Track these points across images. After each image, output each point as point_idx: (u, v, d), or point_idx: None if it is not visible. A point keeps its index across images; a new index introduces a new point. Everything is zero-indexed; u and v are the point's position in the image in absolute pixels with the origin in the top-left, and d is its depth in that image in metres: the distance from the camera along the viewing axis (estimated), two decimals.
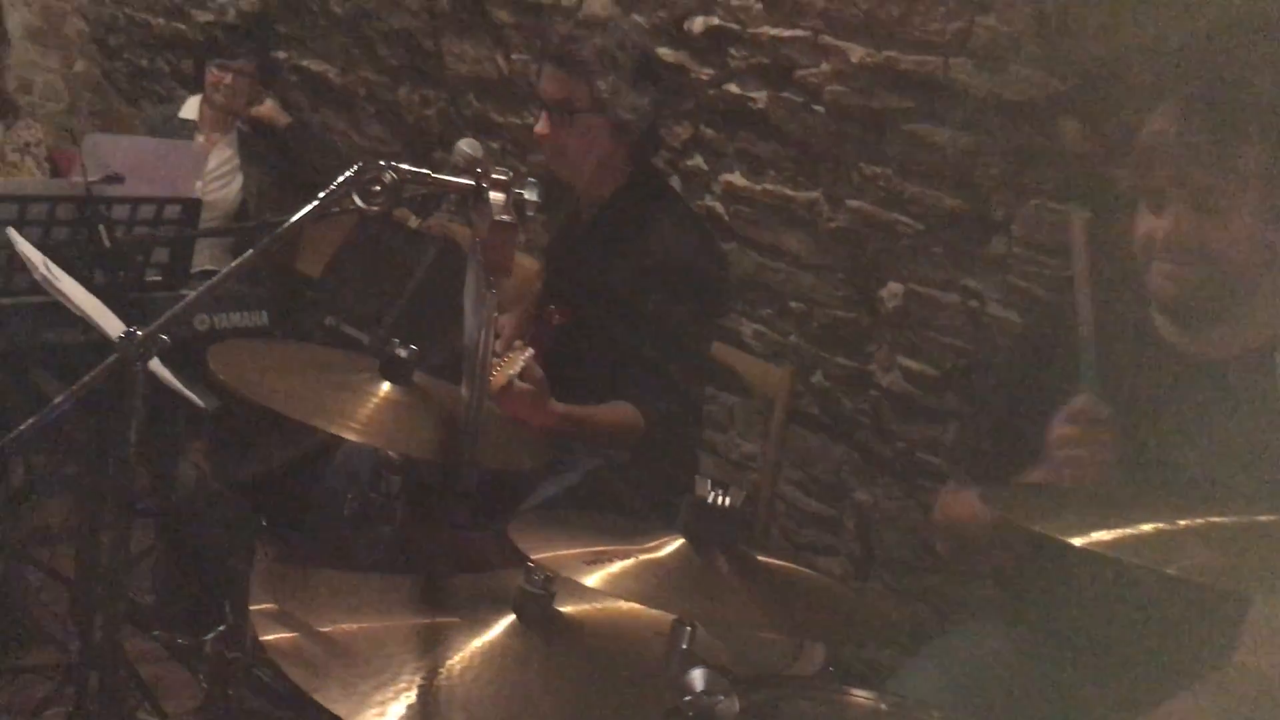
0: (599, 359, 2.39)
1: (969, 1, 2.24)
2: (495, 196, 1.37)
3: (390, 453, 1.82)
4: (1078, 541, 1.04)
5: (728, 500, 1.22)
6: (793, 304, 2.92)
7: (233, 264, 1.46)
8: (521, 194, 1.41)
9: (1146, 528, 1.03)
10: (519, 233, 1.35)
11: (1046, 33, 2.16)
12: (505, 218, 1.32)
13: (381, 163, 1.40)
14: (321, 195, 1.41)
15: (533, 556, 1.21)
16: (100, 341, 2.16)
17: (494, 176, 1.40)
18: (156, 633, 1.99)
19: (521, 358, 1.99)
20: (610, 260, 2.39)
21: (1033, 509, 1.26)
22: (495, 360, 2.06)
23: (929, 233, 2.57)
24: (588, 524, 1.39)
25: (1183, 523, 1.04)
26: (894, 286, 2.70)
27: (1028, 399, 1.84)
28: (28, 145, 2.88)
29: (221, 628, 1.63)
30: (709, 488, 1.22)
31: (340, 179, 1.41)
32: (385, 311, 3.34)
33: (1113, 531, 1.04)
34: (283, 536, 2.53)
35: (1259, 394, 1.62)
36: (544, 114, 2.39)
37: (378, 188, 1.40)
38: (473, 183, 1.42)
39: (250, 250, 1.43)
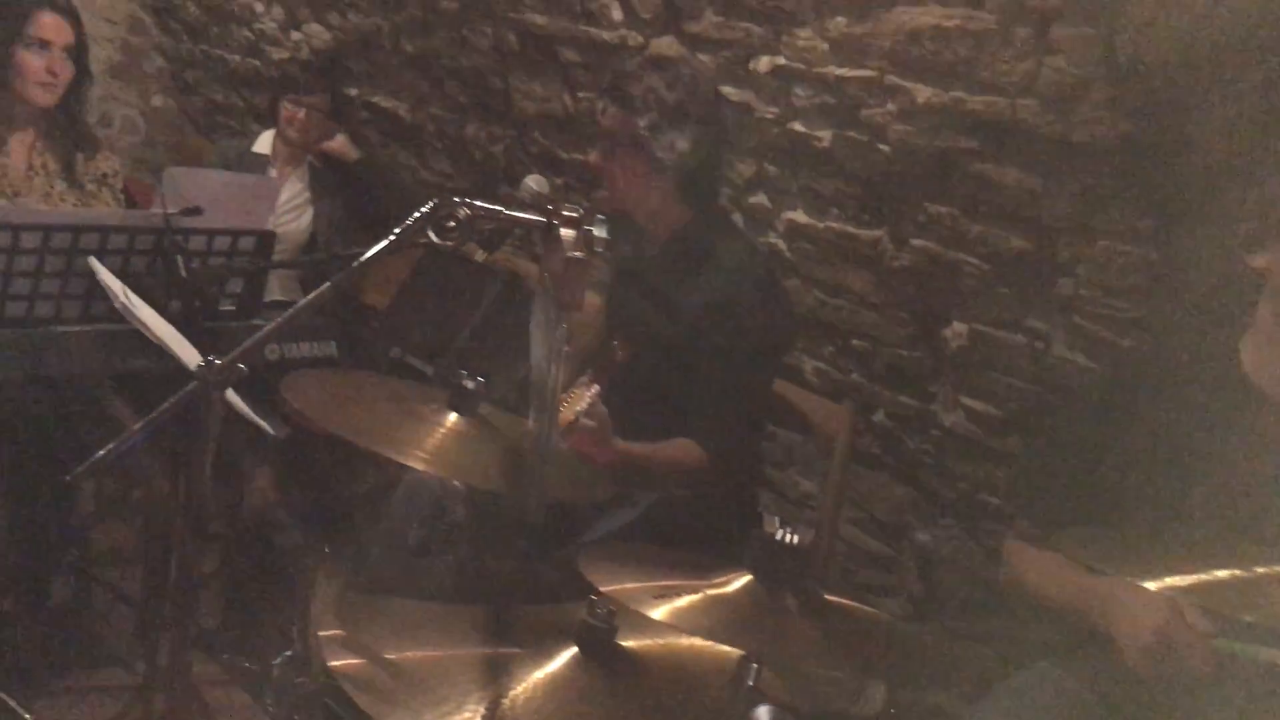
0: (661, 395, 2.41)
1: (1037, 43, 2.24)
2: (566, 233, 1.39)
3: (455, 483, 1.85)
4: (1152, 586, 1.02)
5: (796, 538, 1.22)
6: (855, 342, 2.91)
7: (309, 296, 1.50)
8: (591, 230, 1.43)
9: (1222, 574, 1.02)
10: (590, 269, 1.37)
11: (1116, 74, 2.15)
12: (577, 254, 1.34)
13: (456, 199, 1.42)
14: (398, 230, 1.44)
15: (601, 588, 1.22)
16: (172, 369, 2.21)
17: (565, 213, 1.43)
18: (226, 656, 2.02)
19: (587, 394, 2.01)
20: (674, 297, 2.41)
21: (1106, 551, 1.25)
22: (561, 395, 2.09)
23: (994, 273, 2.55)
24: (656, 558, 1.39)
25: (1260, 569, 1.02)
26: (958, 326, 2.69)
27: (1104, 446, 1.82)
28: (105, 176, 2.95)
29: (289, 652, 1.66)
30: (777, 525, 1.23)
31: (416, 214, 1.44)
32: (449, 344, 3.39)
33: (1188, 577, 1.03)
34: (345, 563, 2.57)
35: None
36: (598, 145, 2.45)
37: (452, 224, 1.42)
38: (544, 219, 1.44)
39: (327, 283, 1.47)
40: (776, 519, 1.24)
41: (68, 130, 2.88)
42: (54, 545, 2.79)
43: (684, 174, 2.40)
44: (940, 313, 2.71)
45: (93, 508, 3.04)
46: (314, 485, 2.77)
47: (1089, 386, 2.26)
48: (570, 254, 1.34)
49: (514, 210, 1.58)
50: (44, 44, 2.76)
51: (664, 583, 1.23)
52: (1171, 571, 1.04)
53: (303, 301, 1.50)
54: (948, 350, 2.72)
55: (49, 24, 2.78)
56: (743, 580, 1.24)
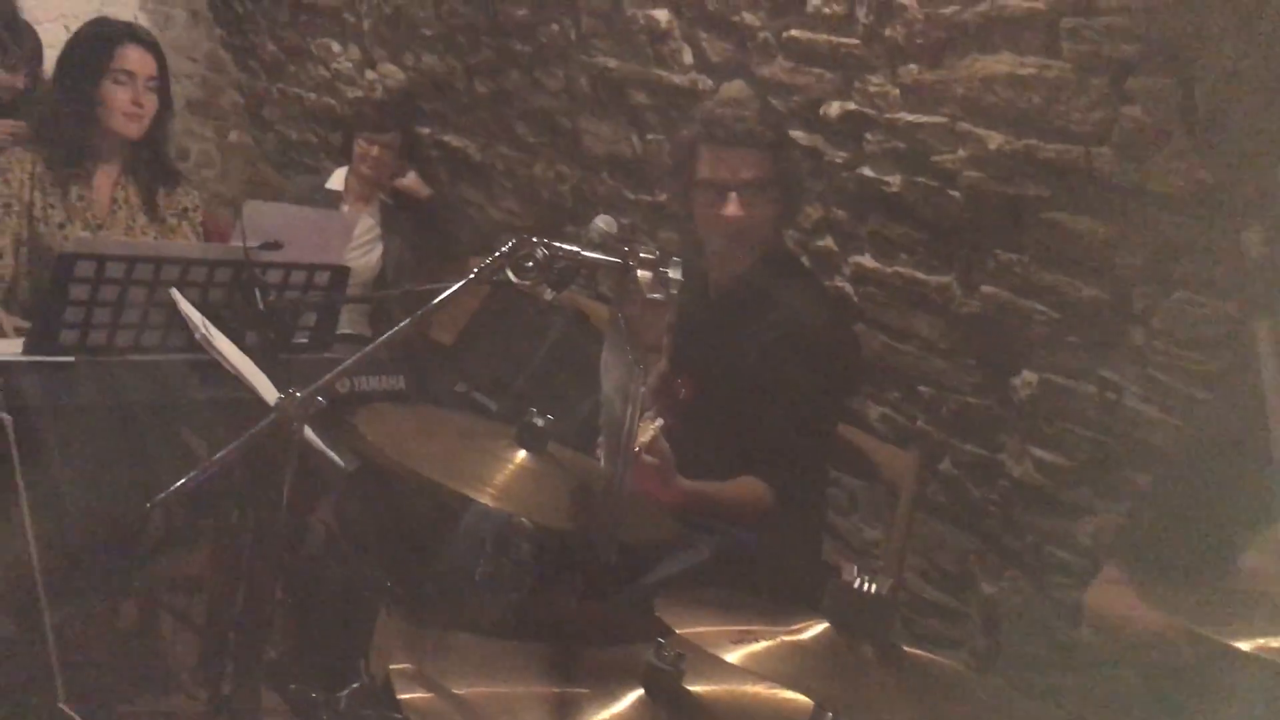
0: (726, 433, 2.40)
1: (1113, 92, 2.22)
2: (643, 274, 1.40)
3: (522, 519, 1.85)
4: (1245, 647, 1.00)
5: (874, 587, 1.21)
6: (921, 388, 2.89)
7: (391, 330, 1.52)
8: (666, 272, 1.44)
9: None
10: (668, 310, 1.38)
11: (1194, 124, 2.13)
12: (657, 296, 1.35)
13: (534, 239, 1.44)
14: (477, 269, 1.46)
15: (678, 630, 1.22)
16: (245, 400, 2.25)
17: (642, 255, 1.44)
18: (292, 686, 2.04)
19: (651, 428, 2.02)
20: (742, 333, 2.40)
21: (1198, 610, 1.22)
22: None
23: (1065, 322, 2.53)
24: (732, 602, 1.39)
25: None
26: (1028, 375, 2.66)
27: (1197, 499, 1.80)
28: (185, 210, 3.02)
29: (355, 684, 1.67)
30: (856, 574, 1.22)
31: (496, 254, 1.46)
32: (514, 380, 3.42)
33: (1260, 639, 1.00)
34: (409, 596, 2.58)
35: None
36: (733, 196, 2.38)
37: (530, 263, 1.44)
38: (621, 260, 1.46)
39: (408, 318, 1.49)
40: (855, 567, 1.23)
41: (151, 164, 2.95)
42: (124, 571, 2.83)
43: (792, 206, 2.40)
44: (1010, 361, 2.68)
45: (162, 534, 3.09)
46: (379, 518, 2.79)
47: (1176, 440, 2.23)
48: (651, 296, 1.35)
49: (590, 251, 1.59)
50: (129, 76, 2.84)
51: (741, 627, 1.22)
52: (1266, 634, 1.01)
53: (384, 336, 1.52)
54: (1017, 399, 2.69)
55: (133, 56, 2.85)
56: (819, 628, 1.23)
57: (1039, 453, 2.70)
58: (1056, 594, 2.74)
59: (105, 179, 2.94)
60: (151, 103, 2.87)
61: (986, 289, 2.65)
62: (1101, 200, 2.35)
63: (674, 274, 1.44)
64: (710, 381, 2.46)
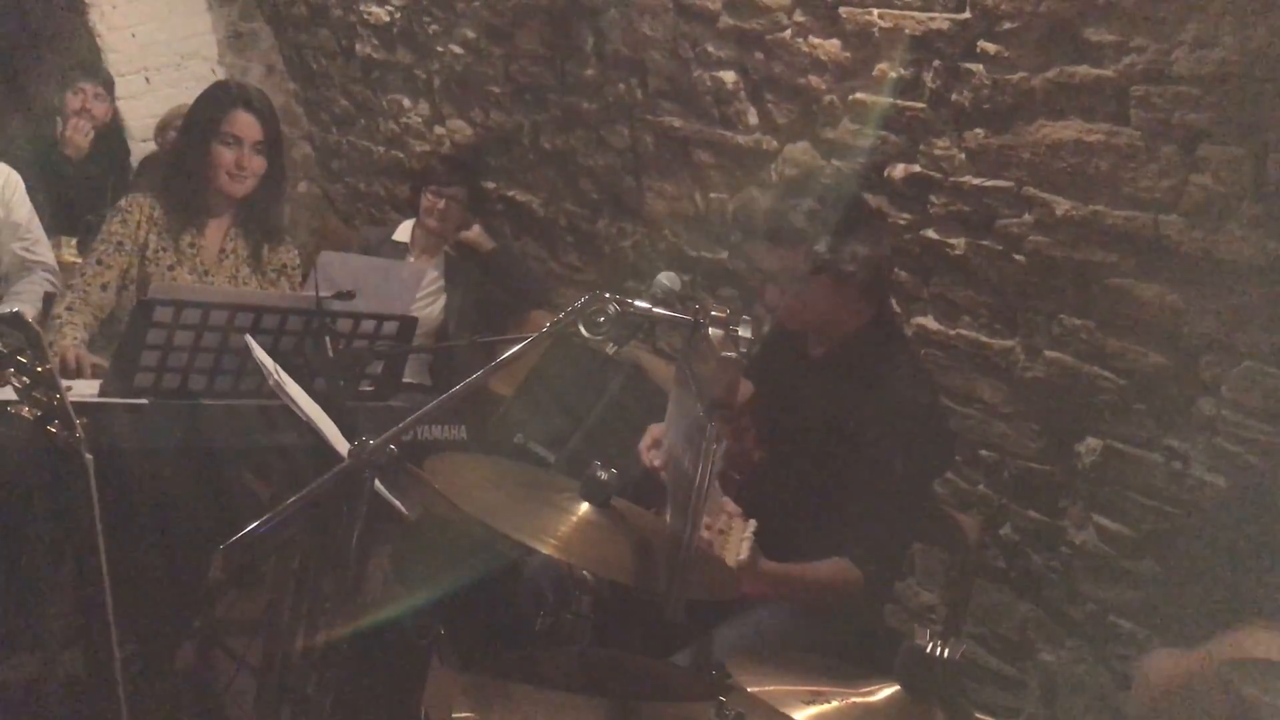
0: (804, 502, 2.32)
1: (1183, 160, 2.22)
2: (714, 332, 1.42)
3: (584, 572, 1.86)
4: None
5: (946, 651, 1.21)
6: (983, 452, 2.87)
7: (464, 382, 1.55)
8: (737, 330, 1.46)
9: None
10: (741, 368, 1.39)
11: (1266, 193, 2.12)
12: (731, 354, 1.36)
13: (606, 295, 1.46)
14: (552, 323, 1.48)
15: (749, 688, 1.22)
16: (305, 446, 2.28)
17: (713, 313, 1.45)
18: None
19: (746, 535, 1.96)
20: (840, 401, 2.33)
21: (1251, 673, 1.20)
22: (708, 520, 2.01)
23: (1131, 389, 2.51)
24: (804, 662, 1.38)
25: None
26: (1092, 442, 2.63)
27: (1239, 562, 1.77)
28: (285, 266, 3.14)
29: None
30: (928, 637, 1.21)
31: (570, 309, 1.48)
32: (572, 432, 3.43)
33: None
34: (463, 646, 2.59)
35: None
36: (769, 286, 2.37)
37: (602, 319, 1.46)
38: (691, 318, 1.47)
39: (480, 371, 1.51)
40: (927, 631, 1.22)
41: (259, 221, 3.09)
42: (183, 611, 2.87)
43: (865, 278, 2.35)
44: (1073, 427, 2.66)
45: (222, 576, 3.12)
46: (438, 566, 2.81)
47: (1220, 505, 2.19)
48: (725, 354, 1.37)
49: (659, 308, 1.61)
50: (236, 139, 2.99)
51: (812, 688, 1.22)
52: None
53: (458, 387, 1.55)
54: (1080, 465, 2.66)
55: (241, 121, 3.01)
56: (890, 690, 1.22)
57: (1102, 520, 2.66)
58: (1117, 664, 2.69)
59: (216, 230, 3.09)
60: (257, 165, 3.02)
61: (1050, 354, 2.63)
62: (1169, 267, 2.34)
63: (744, 332, 1.46)
64: (791, 446, 2.39)
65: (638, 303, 1.50)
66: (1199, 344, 2.35)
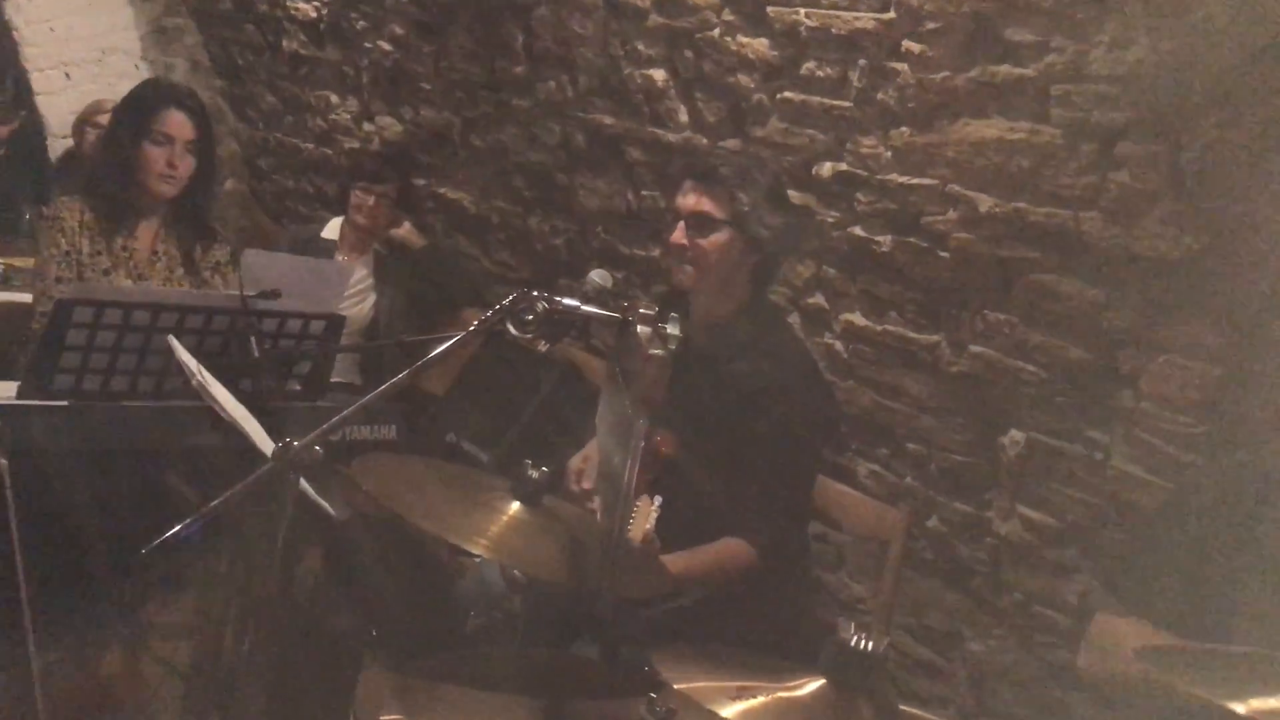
0: (706, 489, 2.40)
1: (1101, 157, 2.27)
2: (643, 330, 1.42)
3: (516, 572, 1.86)
4: (1240, 709, 1.01)
5: (870, 645, 1.22)
6: (910, 446, 2.91)
7: (389, 382, 1.53)
8: (665, 328, 1.46)
9: None
10: (669, 366, 1.40)
11: (1182, 190, 2.17)
12: (659, 352, 1.37)
13: (535, 293, 1.46)
14: (479, 322, 1.48)
15: (675, 685, 1.23)
16: (234, 448, 2.25)
17: (641, 310, 1.46)
18: None
19: (652, 512, 2.01)
20: (722, 383, 2.42)
21: (1193, 670, 1.23)
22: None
23: (1054, 382, 2.55)
24: (730, 657, 1.39)
25: None
26: (1015, 434, 2.68)
27: (1188, 563, 1.82)
28: (218, 264, 3.11)
29: None
30: (853, 631, 1.23)
31: (497, 307, 1.48)
32: (505, 431, 3.42)
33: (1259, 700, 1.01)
34: (396, 647, 2.57)
35: None
36: (681, 224, 2.48)
37: (530, 317, 1.46)
38: (621, 316, 1.48)
39: (406, 370, 1.50)
40: (852, 624, 1.23)
41: (190, 221, 3.05)
42: (108, 615, 2.82)
43: (765, 256, 2.47)
44: (998, 420, 2.70)
45: (147, 580, 3.07)
46: (368, 567, 2.78)
47: (1176, 500, 2.25)
48: (654, 352, 1.37)
49: (589, 305, 1.61)
50: (168, 138, 2.94)
51: (739, 683, 1.23)
52: (1261, 694, 1.02)
53: (383, 387, 1.53)
54: (1005, 458, 2.70)
55: (173, 120, 2.97)
56: (816, 684, 1.24)
57: (1027, 511, 2.71)
58: (1043, 653, 2.74)
59: (147, 232, 3.05)
60: (187, 165, 2.98)
61: (975, 349, 2.67)
62: (1089, 263, 2.38)
63: (673, 330, 1.46)
64: (690, 437, 2.46)
65: (565, 300, 1.50)
66: (1118, 338, 2.40)
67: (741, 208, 2.42)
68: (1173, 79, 2.11)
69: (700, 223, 2.44)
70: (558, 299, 1.48)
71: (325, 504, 2.05)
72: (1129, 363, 2.40)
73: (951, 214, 2.58)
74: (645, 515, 2.03)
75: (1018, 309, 2.56)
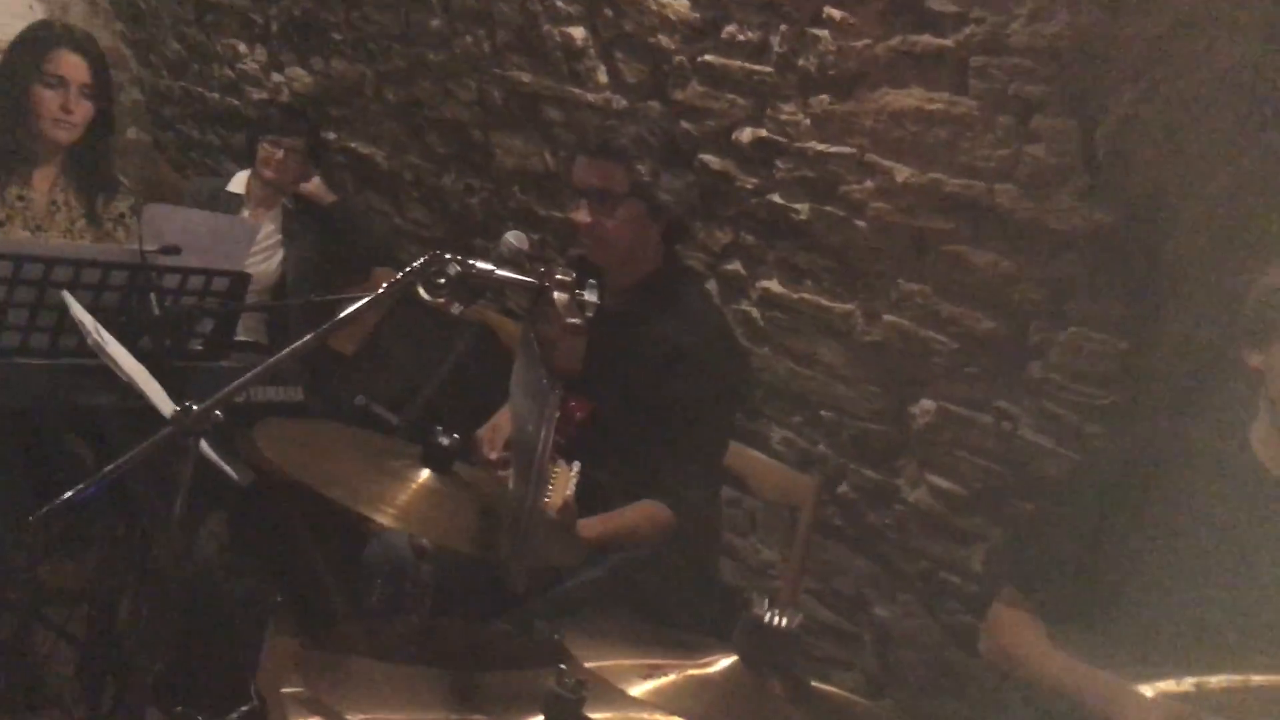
0: (622, 453, 2.40)
1: (1018, 131, 2.28)
2: (560, 297, 1.39)
3: (423, 541, 1.82)
4: (1147, 690, 1.02)
5: (784, 621, 1.21)
6: (823, 413, 2.92)
7: (295, 344, 1.48)
8: (583, 294, 1.44)
9: (1216, 681, 1.01)
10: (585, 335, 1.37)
11: (1095, 165, 2.20)
12: (576, 321, 1.34)
13: (448, 256, 1.42)
14: (389, 284, 1.43)
15: (588, 664, 1.21)
16: (136, 408, 2.17)
17: (558, 276, 1.43)
18: (180, 708, 1.96)
19: (571, 477, 1.98)
20: (635, 347, 2.41)
21: (1103, 652, 1.25)
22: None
23: (964, 352, 2.58)
24: (642, 634, 1.38)
25: (1256, 679, 1.02)
26: (926, 403, 2.70)
27: (1095, 533, 1.85)
28: (122, 216, 2.99)
29: (245, 707, 1.62)
30: (766, 607, 1.22)
31: (408, 269, 1.43)
32: (415, 393, 3.36)
33: (1182, 683, 1.02)
34: (300, 615, 2.53)
35: None
36: (583, 203, 2.45)
37: (443, 280, 1.42)
38: (537, 281, 1.44)
39: (312, 332, 1.45)
40: (765, 600, 1.23)
41: (90, 170, 2.91)
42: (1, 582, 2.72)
43: (672, 218, 2.45)
44: (909, 389, 2.73)
45: (41, 544, 2.97)
46: (272, 533, 2.72)
47: (1072, 475, 2.29)
48: (570, 320, 1.34)
49: (502, 267, 1.58)
50: (61, 81, 2.81)
51: (651, 661, 1.21)
52: (1165, 677, 1.04)
53: (287, 350, 1.48)
54: (915, 426, 2.73)
55: (67, 62, 2.84)
56: (728, 661, 1.23)
57: (935, 479, 2.75)
58: (948, 618, 2.79)
59: (43, 180, 2.92)
60: (84, 110, 2.85)
61: (889, 318, 2.69)
62: (1003, 235, 2.41)
63: (590, 297, 1.44)
64: (604, 402, 2.46)
65: (480, 264, 1.46)
66: (1029, 310, 2.43)
67: (642, 178, 2.39)
68: (1090, 54, 2.12)
69: (602, 198, 2.41)
70: (471, 262, 1.44)
71: (228, 468, 1.99)
72: (1038, 334, 2.44)
73: (869, 183, 2.59)
74: (565, 482, 2.01)
75: (931, 279, 2.58)
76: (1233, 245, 2.19)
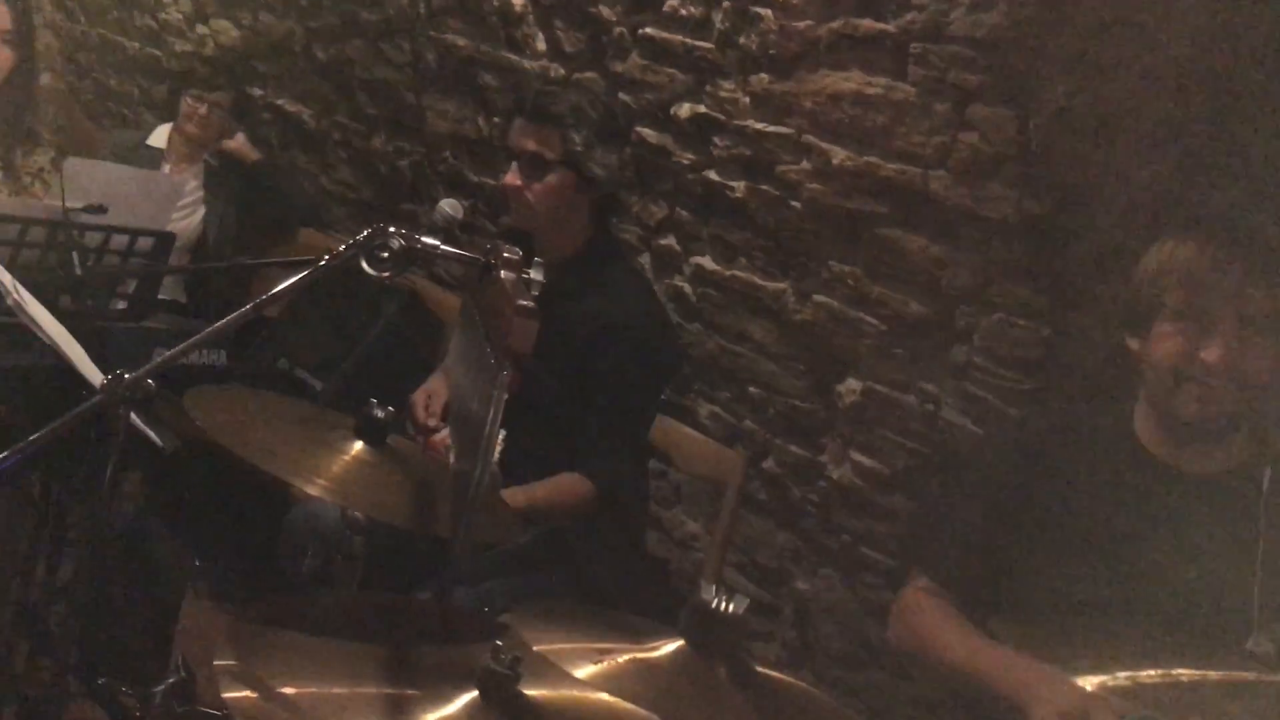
0: (548, 425, 2.40)
1: (954, 118, 2.31)
2: (507, 276, 1.38)
3: (356, 513, 1.81)
4: (1086, 686, 1.04)
5: (732, 606, 1.23)
6: (752, 390, 2.95)
7: (234, 314, 1.45)
8: (529, 273, 1.43)
9: (1149, 674, 1.04)
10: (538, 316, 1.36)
11: (1027, 156, 2.24)
12: (527, 303, 1.33)
13: (392, 229, 1.40)
14: (331, 256, 1.41)
15: (536, 648, 1.21)
16: (55, 366, 2.12)
17: (505, 255, 1.42)
18: (102, 680, 1.93)
19: (496, 445, 1.98)
20: (565, 321, 2.41)
21: (1022, 641, 1.28)
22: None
23: (892, 334, 2.62)
24: (589, 618, 1.38)
25: (1179, 672, 1.06)
26: (853, 383, 2.74)
27: (995, 513, 1.88)
28: (41, 171, 2.89)
29: (171, 679, 1.59)
30: (714, 593, 1.23)
31: (351, 242, 1.41)
32: (341, 359, 3.31)
33: (1099, 677, 1.05)
34: (222, 583, 2.49)
35: (1242, 511, 1.66)
36: (514, 165, 2.44)
37: (386, 253, 1.40)
38: (483, 259, 1.43)
39: (250, 303, 1.43)
40: (713, 587, 1.24)
41: (9, 121, 2.81)
42: None
43: (604, 192, 2.44)
44: (837, 368, 2.76)
45: None
46: (197, 499, 2.67)
47: (984, 452, 2.33)
48: (522, 303, 1.33)
49: (435, 235, 1.56)
50: None
51: (595, 645, 1.22)
52: (1084, 671, 1.07)
53: (229, 318, 1.45)
54: (841, 405, 2.77)
55: None
56: (674, 645, 1.24)
57: (858, 457, 2.79)
58: (867, 593, 2.85)
59: None
60: (4, 58, 2.73)
61: (819, 298, 2.72)
62: (934, 220, 2.44)
63: (536, 275, 1.43)
64: (532, 373, 2.45)
65: (426, 239, 1.44)
66: (956, 295, 2.47)
67: (575, 147, 2.38)
68: (1027, 46, 2.16)
69: (533, 163, 2.40)
70: (416, 236, 1.42)
71: (153, 434, 1.94)
72: (964, 319, 2.48)
73: (805, 164, 2.60)
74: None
75: (862, 262, 2.61)
76: (1155, 236, 2.24)
